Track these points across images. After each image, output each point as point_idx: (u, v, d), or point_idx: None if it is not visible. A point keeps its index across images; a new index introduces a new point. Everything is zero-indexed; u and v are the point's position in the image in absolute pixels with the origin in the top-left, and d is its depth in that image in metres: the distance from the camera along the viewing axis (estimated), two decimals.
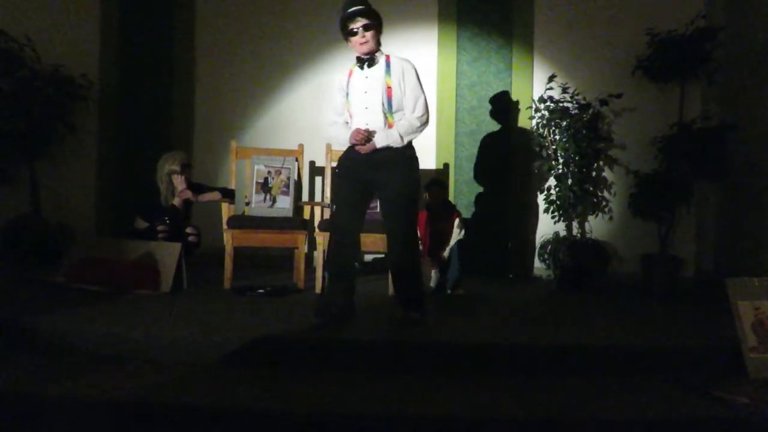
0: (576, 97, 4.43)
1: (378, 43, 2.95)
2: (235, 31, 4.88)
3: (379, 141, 2.90)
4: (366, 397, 2.30)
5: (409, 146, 2.98)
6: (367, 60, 2.94)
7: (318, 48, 4.85)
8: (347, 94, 2.99)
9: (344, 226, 2.96)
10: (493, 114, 4.81)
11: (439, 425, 2.16)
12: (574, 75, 4.72)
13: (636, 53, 4.53)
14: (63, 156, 4.76)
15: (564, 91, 4.46)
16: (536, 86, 4.74)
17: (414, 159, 3.00)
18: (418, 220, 3.45)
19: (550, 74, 4.52)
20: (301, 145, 4.30)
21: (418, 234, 3.28)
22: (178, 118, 4.87)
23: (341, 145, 3.06)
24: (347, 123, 3.04)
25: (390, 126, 2.91)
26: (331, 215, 3.01)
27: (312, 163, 4.78)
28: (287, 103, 4.88)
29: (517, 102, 4.77)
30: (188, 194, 3.97)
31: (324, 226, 3.79)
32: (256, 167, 4.06)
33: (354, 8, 2.86)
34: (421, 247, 3.51)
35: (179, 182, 3.97)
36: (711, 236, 4.93)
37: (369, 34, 2.88)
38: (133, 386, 2.29)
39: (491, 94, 4.81)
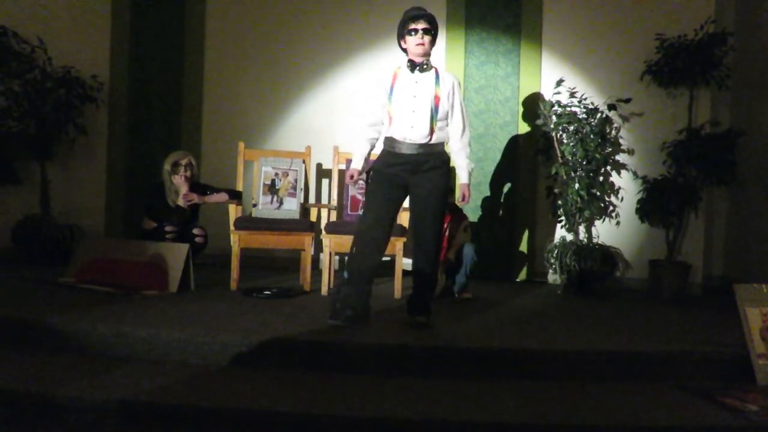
0: (584, 102, 4.42)
1: (430, 53, 3.03)
2: (244, 34, 4.90)
3: (465, 177, 3.10)
4: (372, 400, 2.30)
5: (444, 152, 3.06)
6: (419, 65, 3.00)
7: (325, 50, 4.85)
8: (390, 95, 3.02)
9: (372, 230, 2.96)
10: (501, 117, 4.80)
11: (447, 429, 2.16)
12: (583, 79, 4.71)
13: (645, 58, 4.52)
14: (73, 157, 4.79)
15: (572, 95, 4.45)
16: (544, 90, 4.73)
17: (449, 165, 3.08)
18: None
19: (559, 78, 4.52)
20: (308, 147, 4.31)
21: None
22: (187, 120, 4.90)
23: (354, 152, 3.14)
24: (383, 124, 3.07)
25: (432, 131, 2.97)
26: (361, 218, 3.03)
27: (319, 165, 4.80)
28: (295, 106, 4.89)
29: (525, 106, 4.77)
30: (192, 197, 3.97)
31: (331, 228, 3.80)
32: (263, 169, 4.08)
33: (422, 12, 2.98)
34: None
35: (181, 183, 3.98)
36: (719, 242, 4.90)
37: (426, 39, 2.96)
38: (141, 387, 2.30)
39: (499, 98, 4.81)
